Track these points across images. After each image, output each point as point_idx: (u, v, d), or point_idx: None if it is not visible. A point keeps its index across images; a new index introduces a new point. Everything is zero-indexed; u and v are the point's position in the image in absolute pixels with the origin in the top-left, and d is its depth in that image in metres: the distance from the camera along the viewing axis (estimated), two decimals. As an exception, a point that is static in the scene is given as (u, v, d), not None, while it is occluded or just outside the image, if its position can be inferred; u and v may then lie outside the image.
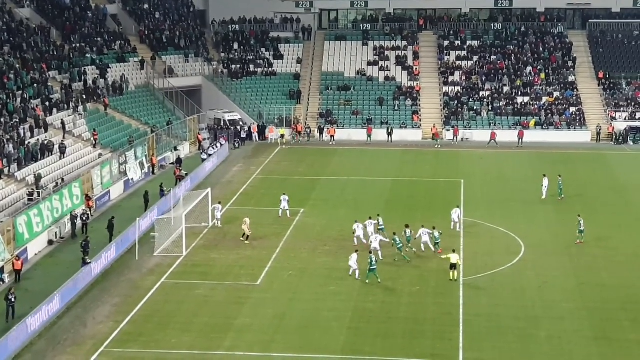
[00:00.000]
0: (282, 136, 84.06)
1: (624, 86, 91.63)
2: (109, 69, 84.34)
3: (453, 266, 45.31)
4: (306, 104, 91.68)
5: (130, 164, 67.06)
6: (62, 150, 64.89)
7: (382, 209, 57.74)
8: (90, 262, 46.04)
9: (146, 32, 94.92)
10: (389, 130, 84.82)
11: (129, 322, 40.40)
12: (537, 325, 39.95)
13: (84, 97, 76.37)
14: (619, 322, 40.32)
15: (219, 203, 56.43)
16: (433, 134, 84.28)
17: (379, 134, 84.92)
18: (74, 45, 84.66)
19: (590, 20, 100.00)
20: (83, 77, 79.65)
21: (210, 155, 74.42)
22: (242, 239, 52.39)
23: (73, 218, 54.14)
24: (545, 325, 39.92)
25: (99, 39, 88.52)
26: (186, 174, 67.02)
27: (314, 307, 42.14)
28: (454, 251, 46.18)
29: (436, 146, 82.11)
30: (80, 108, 73.87)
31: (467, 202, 60.51)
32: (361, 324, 40.19)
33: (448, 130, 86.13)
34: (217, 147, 77.32)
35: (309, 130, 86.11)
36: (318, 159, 77.26)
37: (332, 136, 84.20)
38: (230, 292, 44.30)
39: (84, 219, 54.26)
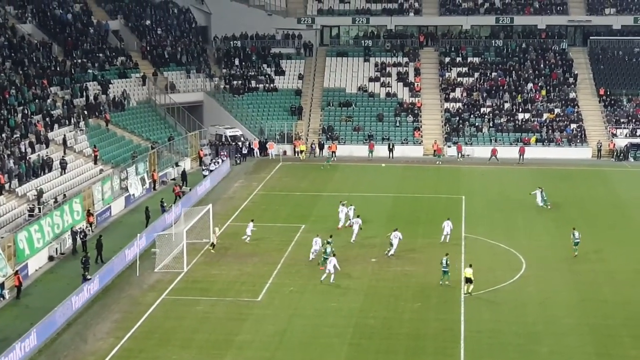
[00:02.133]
0: (302, 152, 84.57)
1: (625, 103, 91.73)
2: (110, 85, 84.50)
3: (468, 280, 45.34)
4: (307, 120, 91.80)
5: (131, 180, 67.06)
6: (63, 166, 64.93)
7: (384, 224, 57.76)
8: (90, 279, 45.98)
9: (148, 48, 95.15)
10: (391, 147, 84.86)
11: (129, 338, 40.32)
12: (538, 341, 39.86)
13: (85, 112, 76.45)
14: (620, 339, 40.24)
15: (252, 221, 56.35)
16: (435, 150, 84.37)
17: (380, 150, 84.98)
18: (75, 60, 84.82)
19: (591, 37, 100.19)
20: (84, 93, 79.77)
21: (211, 171, 74.48)
22: (209, 247, 53.25)
23: (74, 234, 54.09)
24: (547, 341, 39.84)
25: (100, 54, 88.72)
26: (190, 189, 67.09)
27: (315, 323, 42.07)
28: (470, 266, 46.15)
29: (438, 162, 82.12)
30: (82, 124, 73.96)
31: (468, 218, 60.46)
32: (362, 340, 40.11)
33: (449, 146, 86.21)
34: (218, 162, 77.36)
35: (313, 147, 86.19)
36: (319, 175, 77.26)
37: (333, 152, 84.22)
38: (230, 308, 44.23)
39: (82, 236, 54.08)
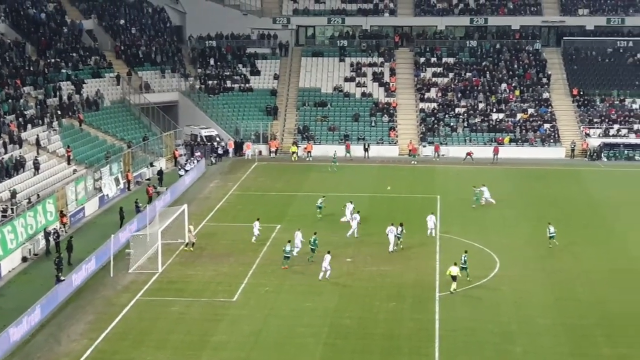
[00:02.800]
0: (294, 153, 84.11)
1: (598, 103, 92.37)
2: (84, 85, 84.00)
3: (454, 278, 45.83)
4: (283, 120, 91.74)
5: (105, 180, 66.72)
6: (36, 166, 64.50)
7: (360, 224, 57.80)
8: (64, 280, 45.70)
9: (122, 48, 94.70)
10: (366, 147, 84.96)
11: (103, 339, 40.08)
12: (513, 340, 40.02)
13: (59, 112, 75.98)
14: (594, 338, 40.47)
15: (258, 220, 56.35)
16: (410, 150, 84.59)
17: (356, 150, 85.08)
18: (49, 60, 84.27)
19: (564, 38, 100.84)
20: (58, 93, 79.27)
21: (187, 171, 74.27)
22: (185, 248, 53.20)
23: (47, 235, 53.73)
24: (521, 340, 40.01)
25: (74, 54, 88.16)
26: (165, 189, 66.91)
27: (290, 323, 42.03)
28: (455, 264, 46.52)
29: (413, 162, 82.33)
30: (55, 124, 73.49)
31: (443, 217, 60.65)
32: (338, 340, 40.11)
33: (424, 146, 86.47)
34: (193, 163, 77.15)
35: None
36: (295, 175, 77.22)
37: (309, 152, 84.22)
38: (206, 308, 44.09)
39: (55, 237, 53.71)
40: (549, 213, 61.90)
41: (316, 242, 51.25)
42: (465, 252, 48.57)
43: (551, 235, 53.89)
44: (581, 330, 41.30)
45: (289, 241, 50.72)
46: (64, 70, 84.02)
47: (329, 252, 48.11)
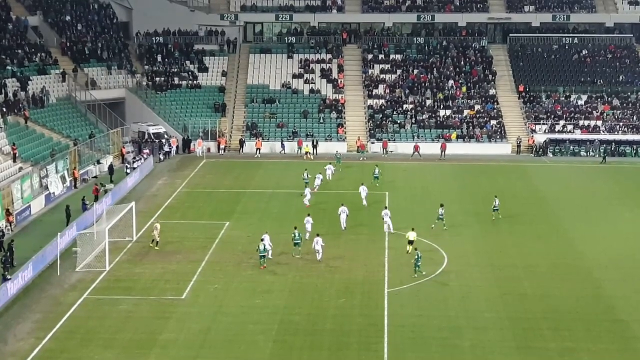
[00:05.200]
0: (307, 153, 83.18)
1: (544, 99, 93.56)
2: (29, 81, 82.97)
3: (410, 242, 50.72)
4: (231, 117, 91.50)
5: (51, 178, 65.98)
6: (-19, 164, 63.65)
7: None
8: (10, 278, 45.16)
9: (68, 44, 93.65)
10: (314, 143, 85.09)
11: (50, 338, 39.70)
12: (460, 335, 40.45)
13: (4, 109, 74.96)
14: (540, 332, 41.04)
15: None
16: (358, 147, 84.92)
17: (324, 147, 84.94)
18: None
19: (510, 35, 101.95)
20: (3, 90, 78.18)
21: (134, 168, 73.76)
22: (151, 244, 52.88)
23: (-7, 233, 53.04)
24: (469, 335, 40.45)
25: (19, 50, 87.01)
26: (113, 186, 66.39)
27: (239, 321, 41.99)
28: (412, 229, 51.55)
29: (361, 158, 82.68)
30: (0, 121, 72.48)
31: (392, 214, 60.89)
32: (287, 336, 40.19)
33: (373, 142, 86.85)
34: (141, 160, 76.61)
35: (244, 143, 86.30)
36: (243, 171, 77.11)
37: (258, 149, 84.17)
38: (154, 306, 43.88)
39: (0, 235, 52.95)
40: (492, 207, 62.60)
41: (300, 236, 51.78)
42: (442, 205, 55.52)
43: (495, 208, 58.33)
44: (527, 324, 41.85)
45: (262, 240, 50.08)
46: (9, 67, 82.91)
47: (318, 235, 50.71)
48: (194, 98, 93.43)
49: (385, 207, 58.18)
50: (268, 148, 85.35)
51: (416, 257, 48.06)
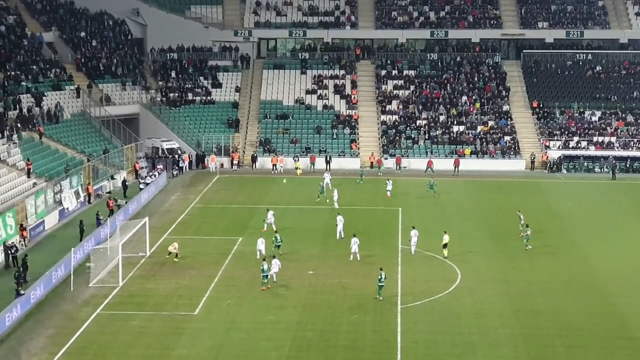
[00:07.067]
0: (297, 168, 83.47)
1: (558, 115, 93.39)
2: (44, 97, 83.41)
3: (445, 245, 53.56)
4: (244, 133, 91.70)
5: (66, 193, 66.23)
6: (-4, 180, 63.95)
7: (321, 237, 57.93)
8: (24, 294, 45.28)
9: (82, 60, 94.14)
10: (328, 159, 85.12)
11: (63, 354, 39.78)
12: (474, 351, 40.30)
13: (19, 125, 75.36)
14: (554, 348, 40.88)
15: (268, 210, 59.85)
16: (371, 162, 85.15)
17: (318, 162, 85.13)
18: (8, 73, 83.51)
19: (524, 51, 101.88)
20: (18, 105, 78.65)
21: (147, 184, 73.97)
22: (175, 259, 53.34)
23: (6, 249, 53.17)
24: (482, 351, 40.30)
25: (34, 66, 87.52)
26: (126, 202, 66.55)
27: (252, 337, 41.96)
28: (445, 232, 54.38)
29: (379, 174, 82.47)
30: (15, 136, 72.85)
31: (405, 230, 60.81)
32: (300, 353, 40.13)
33: (386, 158, 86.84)
34: (154, 175, 76.83)
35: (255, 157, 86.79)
36: (257, 187, 77.16)
37: (274, 165, 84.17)
38: (167, 322, 43.90)
39: (12, 251, 53.11)
40: (508, 225, 62.42)
41: (280, 239, 54.00)
42: (381, 269, 47.70)
43: (523, 224, 58.98)
44: (541, 341, 41.69)
45: (264, 259, 49.87)
46: (24, 83, 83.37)
47: (354, 235, 53.29)
48: (208, 114, 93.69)
49: (413, 227, 56.63)
50: (284, 163, 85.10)
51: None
